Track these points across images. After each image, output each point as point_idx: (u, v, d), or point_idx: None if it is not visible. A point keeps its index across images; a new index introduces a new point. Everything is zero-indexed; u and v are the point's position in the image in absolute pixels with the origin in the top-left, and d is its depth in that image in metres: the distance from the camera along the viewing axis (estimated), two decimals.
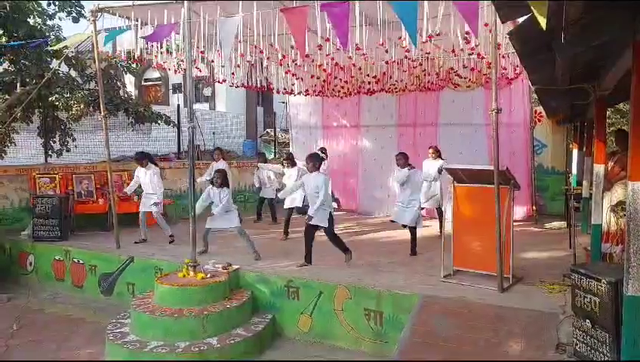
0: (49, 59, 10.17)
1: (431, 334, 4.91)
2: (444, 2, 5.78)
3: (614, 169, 6.20)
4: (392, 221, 7.93)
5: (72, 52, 9.51)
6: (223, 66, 9.14)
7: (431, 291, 5.62)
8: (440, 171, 8.49)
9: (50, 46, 9.42)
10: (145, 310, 5.87)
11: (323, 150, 10.94)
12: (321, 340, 6.01)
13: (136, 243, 8.34)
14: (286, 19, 5.91)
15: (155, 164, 8.93)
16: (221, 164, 9.69)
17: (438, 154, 9.24)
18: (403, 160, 7.91)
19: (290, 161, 9.48)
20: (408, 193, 7.72)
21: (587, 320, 4.03)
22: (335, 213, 10.69)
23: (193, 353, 5.34)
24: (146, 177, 8.56)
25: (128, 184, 10.17)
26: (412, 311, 5.33)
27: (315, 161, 6.97)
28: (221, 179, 7.35)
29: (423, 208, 9.26)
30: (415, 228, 7.69)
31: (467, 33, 5.82)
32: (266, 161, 10.97)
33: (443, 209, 8.90)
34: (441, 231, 8.89)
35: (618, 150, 6.54)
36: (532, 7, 2.52)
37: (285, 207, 9.21)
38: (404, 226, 7.88)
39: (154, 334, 5.63)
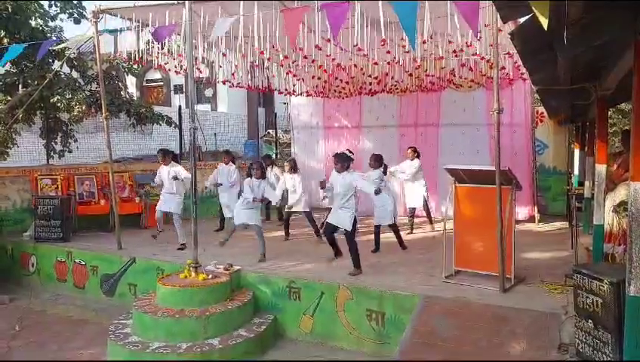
0: (51, 61, 10.19)
1: (432, 334, 4.90)
2: (445, 2, 5.78)
3: (618, 170, 6.18)
4: (376, 226, 7.94)
5: (73, 53, 9.52)
6: (220, 67, 9.13)
7: (432, 291, 5.62)
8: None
9: (53, 48, 9.42)
10: (147, 311, 5.88)
11: (350, 151, 10.72)
12: (323, 341, 6.01)
13: (153, 236, 8.32)
14: (285, 20, 5.93)
15: (179, 163, 8.77)
16: (232, 168, 9.57)
17: (416, 154, 9.46)
18: (373, 161, 7.91)
19: (292, 167, 9.16)
20: (386, 195, 7.65)
21: (589, 321, 4.03)
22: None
23: (195, 354, 5.34)
24: (168, 175, 8.27)
25: (130, 185, 10.22)
26: (413, 311, 5.33)
27: (344, 161, 6.70)
28: (260, 171, 7.25)
29: (414, 208, 9.47)
30: (395, 224, 7.86)
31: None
32: (273, 162, 10.88)
33: (429, 206, 9.54)
34: (431, 223, 9.51)
35: (623, 150, 6.52)
36: (533, 7, 2.52)
37: (286, 209, 9.15)
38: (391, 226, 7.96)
39: (156, 335, 5.64)
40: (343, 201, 6.55)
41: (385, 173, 8.14)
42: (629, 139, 6.28)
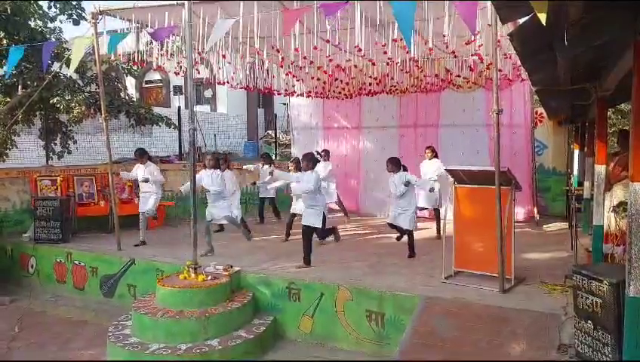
0: (50, 62, 10.18)
1: (432, 335, 4.90)
2: (444, 3, 5.78)
3: (615, 169, 6.18)
4: (389, 224, 7.83)
5: (71, 55, 9.50)
6: (220, 68, 9.13)
7: (432, 292, 5.62)
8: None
9: (55, 51, 9.42)
10: (146, 312, 5.87)
11: (326, 151, 10.76)
12: (323, 341, 6.00)
13: (135, 246, 8.31)
14: (284, 20, 5.94)
15: (152, 161, 8.94)
16: (227, 173, 9.48)
17: (434, 154, 9.23)
18: (391, 165, 7.58)
19: (297, 166, 9.15)
20: (407, 198, 7.49)
21: (589, 321, 4.03)
22: (336, 214, 10.83)
23: (194, 355, 5.34)
24: (144, 175, 8.51)
25: (130, 187, 10.21)
26: (413, 312, 5.33)
27: (309, 160, 7.00)
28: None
29: (424, 209, 9.31)
30: (412, 231, 7.56)
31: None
32: (271, 161, 10.86)
33: (441, 210, 8.96)
34: (438, 232, 9.04)
35: (620, 151, 6.53)
36: (532, 5, 2.52)
37: (291, 211, 9.11)
38: (400, 235, 7.90)
39: (155, 336, 5.63)
40: (310, 201, 6.89)
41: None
42: (625, 139, 6.32)
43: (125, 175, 8.93)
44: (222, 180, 7.91)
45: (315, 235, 7.13)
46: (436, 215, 9.28)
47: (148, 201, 8.59)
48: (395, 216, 7.53)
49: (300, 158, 7.20)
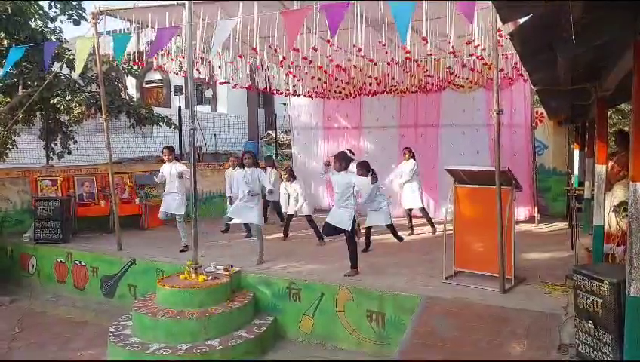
0: (51, 62, 10.19)
1: (433, 335, 4.90)
2: (444, 2, 5.78)
3: (614, 168, 6.19)
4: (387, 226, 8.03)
5: (72, 55, 9.52)
6: (220, 67, 9.13)
7: (433, 292, 5.62)
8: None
9: (56, 51, 9.43)
10: (147, 312, 5.87)
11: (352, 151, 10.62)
12: (323, 342, 6.00)
13: (181, 251, 7.87)
14: (284, 20, 5.93)
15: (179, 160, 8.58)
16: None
17: (411, 155, 9.49)
18: (361, 170, 7.51)
19: (291, 175, 9.08)
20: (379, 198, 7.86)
21: (589, 321, 4.02)
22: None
23: (195, 354, 5.34)
24: (171, 173, 8.10)
25: (130, 187, 10.21)
26: (414, 312, 5.33)
27: (343, 160, 6.68)
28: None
29: (411, 209, 9.57)
30: (391, 224, 8.03)
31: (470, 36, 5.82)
32: (274, 164, 10.88)
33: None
34: (432, 226, 9.35)
35: (618, 151, 6.53)
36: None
37: (288, 213, 9.14)
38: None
39: (156, 336, 5.63)
40: (342, 201, 6.57)
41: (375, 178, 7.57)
42: (622, 139, 6.33)
43: (159, 178, 8.35)
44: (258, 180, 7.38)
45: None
46: (424, 213, 9.57)
47: (176, 203, 8.08)
48: (371, 217, 7.89)
49: (334, 157, 6.79)
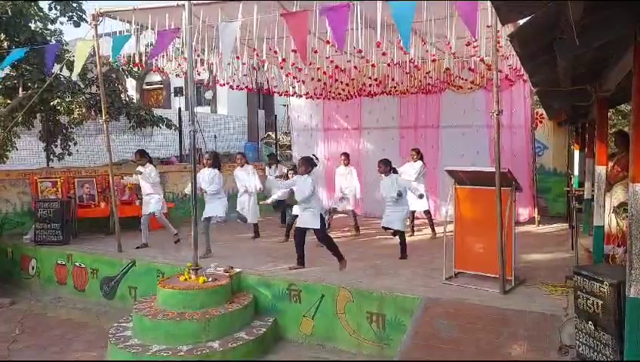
0: (51, 64, 10.20)
1: (433, 336, 4.90)
2: (444, 4, 5.78)
3: (614, 169, 6.20)
4: (383, 228, 7.83)
5: (72, 56, 9.53)
6: (219, 70, 9.13)
7: (433, 293, 5.62)
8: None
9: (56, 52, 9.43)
10: (147, 314, 5.87)
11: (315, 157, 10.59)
12: (324, 343, 6.00)
13: (137, 248, 8.25)
14: (287, 24, 5.93)
15: (152, 163, 8.78)
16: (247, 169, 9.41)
17: (419, 156, 9.32)
18: (384, 167, 7.69)
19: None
20: (399, 200, 7.57)
21: (590, 322, 4.02)
22: (337, 215, 10.83)
23: (195, 356, 5.33)
24: (145, 176, 8.40)
25: (130, 188, 10.21)
26: (414, 313, 5.33)
27: (308, 164, 6.95)
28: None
29: (414, 211, 9.37)
30: (404, 232, 7.63)
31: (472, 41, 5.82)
32: (277, 161, 10.93)
33: (443, 211, 9.04)
34: (433, 231, 9.21)
35: (617, 152, 6.54)
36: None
37: (293, 213, 9.12)
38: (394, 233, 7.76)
39: (156, 338, 5.63)
40: (306, 204, 6.82)
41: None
42: (622, 139, 6.34)
43: (127, 179, 8.88)
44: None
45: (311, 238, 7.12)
46: (428, 216, 9.42)
47: (150, 203, 8.50)
48: (387, 218, 7.60)
49: (299, 161, 7.12)
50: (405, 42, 5.41)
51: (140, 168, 8.51)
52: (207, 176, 7.94)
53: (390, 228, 7.58)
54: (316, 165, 7.17)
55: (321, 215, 6.85)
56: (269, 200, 8.70)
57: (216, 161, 8.09)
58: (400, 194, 7.40)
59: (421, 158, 9.33)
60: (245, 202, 9.18)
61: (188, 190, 7.92)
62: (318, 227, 6.78)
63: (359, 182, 9.94)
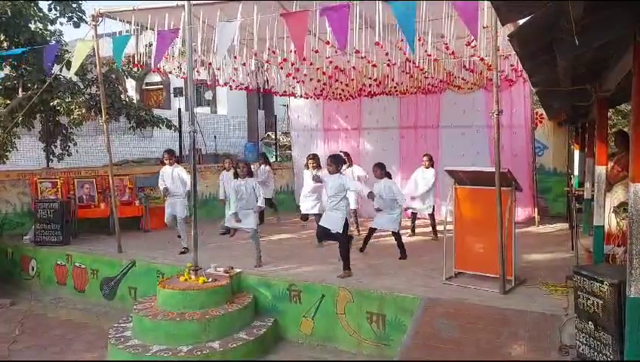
0: (50, 64, 10.20)
1: (433, 336, 4.90)
2: (444, 4, 5.78)
3: (614, 169, 6.20)
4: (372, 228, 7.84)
5: (72, 57, 9.53)
6: (218, 69, 9.13)
7: (433, 293, 5.62)
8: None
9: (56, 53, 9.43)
10: (147, 314, 5.87)
11: (346, 153, 10.47)
12: (324, 343, 6.00)
13: (181, 253, 7.88)
14: (286, 24, 5.92)
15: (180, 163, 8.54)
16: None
17: (431, 163, 9.12)
18: (380, 171, 7.70)
19: (318, 164, 8.93)
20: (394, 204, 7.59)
21: (590, 322, 4.02)
22: None
23: (195, 356, 5.34)
24: (173, 176, 8.11)
25: (130, 189, 10.21)
26: (414, 313, 5.33)
27: (338, 162, 6.74)
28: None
29: (415, 213, 9.43)
30: (399, 233, 7.57)
31: (469, 39, 5.81)
32: (268, 161, 10.97)
33: (442, 212, 9.01)
34: (435, 234, 9.05)
35: (617, 151, 6.54)
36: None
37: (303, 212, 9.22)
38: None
39: (156, 338, 5.63)
40: (334, 203, 6.60)
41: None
42: (622, 139, 6.34)
43: (161, 185, 8.22)
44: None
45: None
46: (431, 218, 9.24)
47: (179, 206, 8.09)
48: (379, 220, 7.62)
49: (328, 159, 6.82)
50: (411, 45, 5.40)
51: (168, 168, 8.21)
52: (242, 188, 7.19)
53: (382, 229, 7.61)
54: (346, 163, 7.02)
55: (345, 219, 6.58)
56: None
57: (250, 170, 7.50)
58: (394, 200, 7.47)
59: (432, 165, 9.12)
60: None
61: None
62: (341, 231, 6.50)
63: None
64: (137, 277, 7.44)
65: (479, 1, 5.25)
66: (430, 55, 7.03)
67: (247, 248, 8.07)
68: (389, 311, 5.60)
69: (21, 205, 9.51)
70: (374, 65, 7.83)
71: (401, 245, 7.50)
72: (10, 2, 9.33)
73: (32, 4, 10.08)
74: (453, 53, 7.37)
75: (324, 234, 6.78)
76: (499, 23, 3.96)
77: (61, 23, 10.75)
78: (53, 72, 9.23)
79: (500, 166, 5.40)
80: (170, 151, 8.44)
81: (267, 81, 10.46)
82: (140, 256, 7.78)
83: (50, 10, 10.51)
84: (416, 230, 9.51)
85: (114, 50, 7.41)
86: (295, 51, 6.32)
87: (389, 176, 7.87)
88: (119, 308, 7.25)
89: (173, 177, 8.13)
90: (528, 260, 7.11)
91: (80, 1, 10.56)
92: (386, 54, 7.01)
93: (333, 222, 6.56)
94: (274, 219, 10.96)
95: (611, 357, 3.82)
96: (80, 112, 10.73)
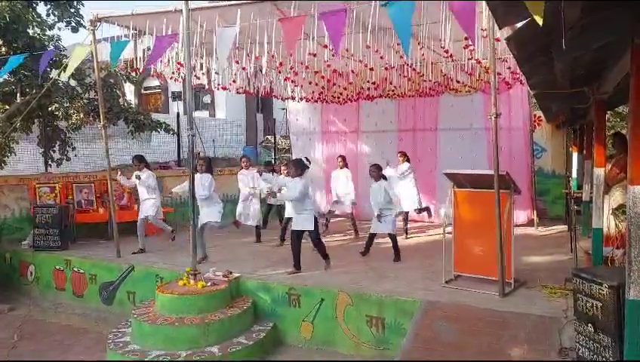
0: (49, 69, 10.19)
1: (433, 339, 4.89)
2: (441, 7, 5.78)
3: (613, 171, 6.20)
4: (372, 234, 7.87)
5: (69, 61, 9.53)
6: (217, 73, 9.13)
7: (432, 296, 5.61)
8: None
9: (54, 58, 9.43)
10: (146, 319, 5.86)
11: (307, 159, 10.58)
12: (323, 347, 5.99)
13: (134, 253, 8.21)
14: (282, 30, 5.93)
15: (150, 169, 8.77)
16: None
17: (405, 158, 9.69)
18: (377, 171, 7.79)
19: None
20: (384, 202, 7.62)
21: (589, 325, 4.01)
22: (335, 218, 10.82)
23: (194, 361, 5.32)
24: (142, 181, 8.37)
25: (129, 193, 10.19)
26: (414, 316, 5.32)
27: (298, 167, 6.98)
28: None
29: (407, 212, 9.62)
30: (394, 234, 7.63)
31: (466, 39, 5.80)
32: (273, 168, 10.87)
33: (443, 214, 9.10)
34: (406, 232, 9.42)
35: (616, 153, 6.54)
36: (527, 6, 2.50)
37: (286, 215, 9.13)
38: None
39: (155, 343, 5.62)
40: (300, 206, 6.88)
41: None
42: (621, 141, 6.34)
43: (123, 181, 8.70)
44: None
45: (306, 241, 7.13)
46: (418, 213, 9.81)
47: (147, 208, 8.47)
48: (376, 224, 7.65)
49: (289, 164, 7.27)
50: (405, 48, 5.40)
51: (137, 173, 8.46)
52: (199, 181, 7.69)
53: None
54: (308, 168, 7.19)
55: (314, 216, 6.94)
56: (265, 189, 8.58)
57: (210, 166, 8.08)
58: (390, 201, 7.56)
59: (408, 160, 9.66)
60: (248, 205, 9.23)
61: (176, 189, 8.24)
62: (312, 228, 6.87)
63: (354, 184, 9.97)
64: (136, 282, 7.43)
65: (477, 0, 5.25)
66: (425, 58, 7.04)
67: (246, 252, 8.09)
68: (388, 315, 5.59)
69: (19, 210, 9.49)
70: (371, 69, 7.84)
71: (395, 247, 7.56)
72: (8, 7, 9.32)
73: (31, 9, 10.08)
74: (451, 56, 7.38)
75: (298, 237, 7.03)
76: (496, 26, 3.96)
77: (59, 28, 10.73)
78: (51, 76, 9.23)
79: (498, 168, 5.40)
80: (139, 157, 8.69)
81: (266, 85, 10.45)
82: (139, 260, 7.77)
83: (48, 15, 10.52)
84: (417, 233, 9.50)
85: (111, 54, 7.41)
86: (290, 54, 6.36)
87: (385, 178, 7.85)
88: (118, 313, 7.22)
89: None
90: (527, 263, 7.11)
91: (77, 2, 10.54)
92: (381, 57, 7.01)
93: (305, 223, 6.88)
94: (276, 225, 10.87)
95: (611, 359, 3.80)
96: (78, 117, 10.73)
